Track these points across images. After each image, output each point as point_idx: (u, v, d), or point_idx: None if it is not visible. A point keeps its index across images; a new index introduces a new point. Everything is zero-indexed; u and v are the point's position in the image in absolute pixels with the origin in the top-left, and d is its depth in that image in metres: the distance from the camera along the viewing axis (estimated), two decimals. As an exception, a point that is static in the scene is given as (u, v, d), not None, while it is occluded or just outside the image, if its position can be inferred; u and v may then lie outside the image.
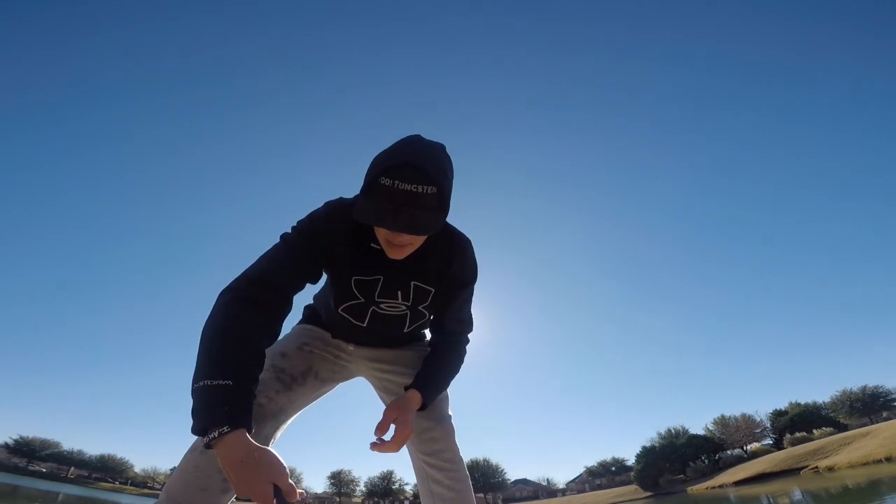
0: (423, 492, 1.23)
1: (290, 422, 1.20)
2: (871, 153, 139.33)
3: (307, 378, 1.22)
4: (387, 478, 63.05)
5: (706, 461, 49.50)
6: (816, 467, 27.40)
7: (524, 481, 72.86)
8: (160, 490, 1.11)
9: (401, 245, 0.99)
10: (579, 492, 66.66)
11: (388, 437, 1.05)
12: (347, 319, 1.18)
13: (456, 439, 1.22)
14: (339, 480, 63.26)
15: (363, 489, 63.86)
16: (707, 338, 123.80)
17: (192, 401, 0.84)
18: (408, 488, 62.99)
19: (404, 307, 1.17)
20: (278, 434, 1.15)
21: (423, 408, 1.15)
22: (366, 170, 0.97)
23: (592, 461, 72.23)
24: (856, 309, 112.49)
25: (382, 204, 0.91)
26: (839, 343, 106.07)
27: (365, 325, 1.19)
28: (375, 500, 63.37)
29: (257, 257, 1.05)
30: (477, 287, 1.25)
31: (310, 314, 1.37)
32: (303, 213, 1.11)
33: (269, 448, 0.81)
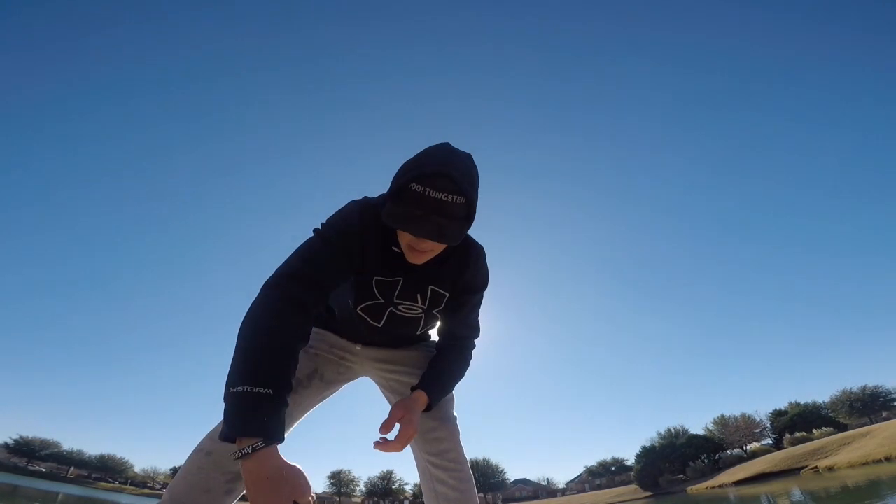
0: (426, 492, 1.23)
1: (295, 425, 1.20)
2: (871, 152, 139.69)
3: (312, 381, 1.22)
4: (387, 478, 63.11)
5: (706, 461, 49.58)
6: (816, 467, 27.43)
7: (524, 481, 72.91)
8: (160, 490, 1.10)
9: (423, 251, 1.01)
10: (579, 492, 66.74)
11: (391, 436, 1.05)
12: (365, 319, 1.19)
13: (461, 440, 1.22)
14: (339, 480, 63.27)
15: (363, 489, 63.93)
16: (707, 337, 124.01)
17: (225, 404, 0.82)
18: (408, 488, 63.06)
19: (420, 310, 1.19)
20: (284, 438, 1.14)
21: (428, 408, 1.15)
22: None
23: (592, 461, 72.48)
24: (856, 308, 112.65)
25: (412, 210, 0.93)
26: (839, 343, 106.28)
27: (381, 325, 1.20)
28: (375, 500, 63.41)
29: (294, 251, 1.05)
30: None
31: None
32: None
33: (297, 465, 0.80)
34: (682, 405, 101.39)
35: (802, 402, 51.52)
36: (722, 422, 51.64)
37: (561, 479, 74.29)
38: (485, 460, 62.03)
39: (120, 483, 62.29)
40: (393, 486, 63.02)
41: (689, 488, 40.36)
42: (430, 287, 1.16)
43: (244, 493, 0.96)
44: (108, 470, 63.88)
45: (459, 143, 1.07)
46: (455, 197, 0.93)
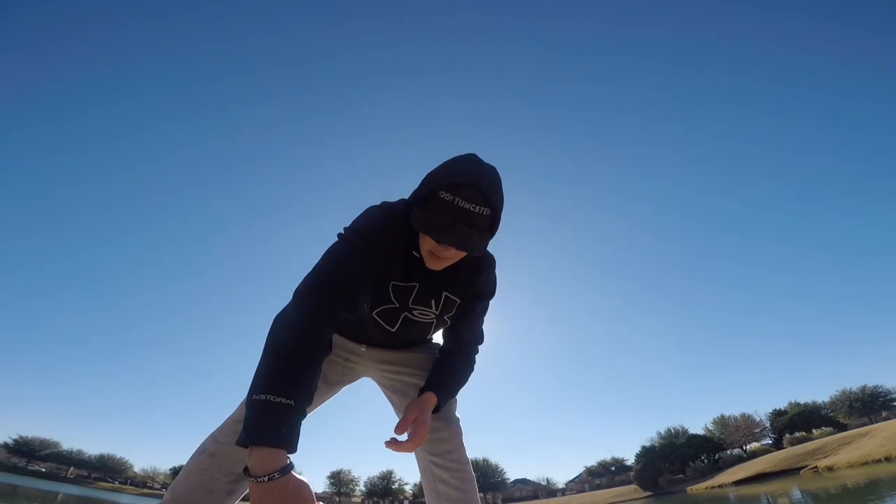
0: (428, 492, 1.23)
1: None
2: (871, 151, 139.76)
3: None
4: (386, 477, 63.17)
5: (706, 461, 49.66)
6: (816, 467, 27.47)
7: (524, 481, 72.97)
8: (160, 490, 1.10)
9: (444, 258, 1.04)
10: (579, 491, 66.77)
11: (403, 436, 1.05)
12: (379, 323, 1.20)
13: (463, 440, 1.22)
14: (339, 480, 63.34)
15: (363, 489, 63.99)
16: (707, 337, 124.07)
17: (246, 409, 0.83)
18: (407, 488, 63.13)
19: (433, 315, 1.21)
20: None
21: (436, 410, 1.16)
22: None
23: (592, 461, 72.75)
24: (856, 308, 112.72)
25: (441, 218, 0.96)
26: (839, 343, 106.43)
27: (395, 330, 1.21)
28: (375, 499, 63.46)
29: (322, 258, 1.05)
30: None
31: None
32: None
33: (304, 480, 0.81)
34: (681, 405, 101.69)
35: (802, 402, 51.66)
36: (722, 422, 51.73)
37: (561, 479, 74.51)
38: (484, 460, 62.08)
39: (120, 483, 62.40)
40: (393, 486, 63.08)
41: (688, 488, 40.41)
42: (444, 293, 1.18)
43: (245, 493, 0.98)
44: (107, 470, 63.97)
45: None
46: (482, 208, 0.96)
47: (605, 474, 66.17)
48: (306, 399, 0.86)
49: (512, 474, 70.23)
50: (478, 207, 0.96)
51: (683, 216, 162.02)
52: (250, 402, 0.83)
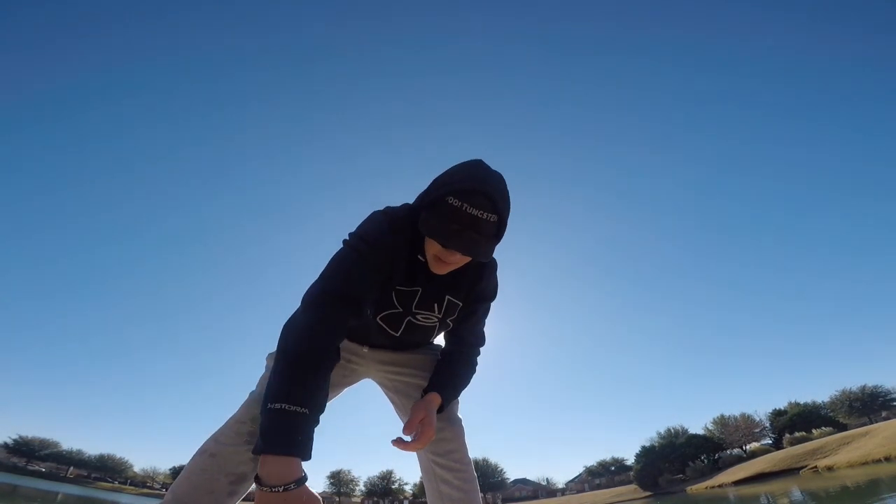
0: (430, 491, 1.23)
1: None
2: (871, 150, 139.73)
3: None
4: (386, 477, 63.17)
5: (706, 461, 49.63)
6: (816, 467, 27.45)
7: (524, 481, 72.93)
8: (160, 490, 1.10)
9: (450, 263, 1.05)
10: (579, 491, 66.74)
11: (410, 437, 1.07)
12: (383, 328, 1.20)
13: (466, 441, 1.23)
14: (339, 480, 63.32)
15: (363, 489, 63.98)
16: (707, 337, 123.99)
17: (261, 417, 0.86)
18: (407, 488, 63.12)
19: (436, 319, 1.21)
20: None
21: (440, 410, 1.17)
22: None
23: (592, 461, 72.64)
24: (855, 308, 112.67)
25: (449, 223, 0.97)
26: (839, 342, 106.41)
27: (399, 334, 1.22)
28: (375, 499, 63.46)
29: (329, 265, 1.06)
30: None
31: None
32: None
33: (317, 494, 0.84)
34: (681, 405, 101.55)
35: (802, 402, 51.63)
36: (721, 421, 51.71)
37: (561, 479, 74.43)
38: (484, 460, 62.10)
39: (119, 483, 62.33)
40: (393, 486, 63.07)
41: (688, 488, 40.38)
42: (446, 296, 1.19)
43: (247, 494, 0.99)
44: (107, 470, 63.93)
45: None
46: (490, 215, 0.98)
47: (604, 474, 66.15)
48: (319, 407, 0.90)
49: (512, 474, 70.34)
50: (486, 214, 0.97)
51: (683, 216, 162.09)
52: (266, 411, 0.86)
